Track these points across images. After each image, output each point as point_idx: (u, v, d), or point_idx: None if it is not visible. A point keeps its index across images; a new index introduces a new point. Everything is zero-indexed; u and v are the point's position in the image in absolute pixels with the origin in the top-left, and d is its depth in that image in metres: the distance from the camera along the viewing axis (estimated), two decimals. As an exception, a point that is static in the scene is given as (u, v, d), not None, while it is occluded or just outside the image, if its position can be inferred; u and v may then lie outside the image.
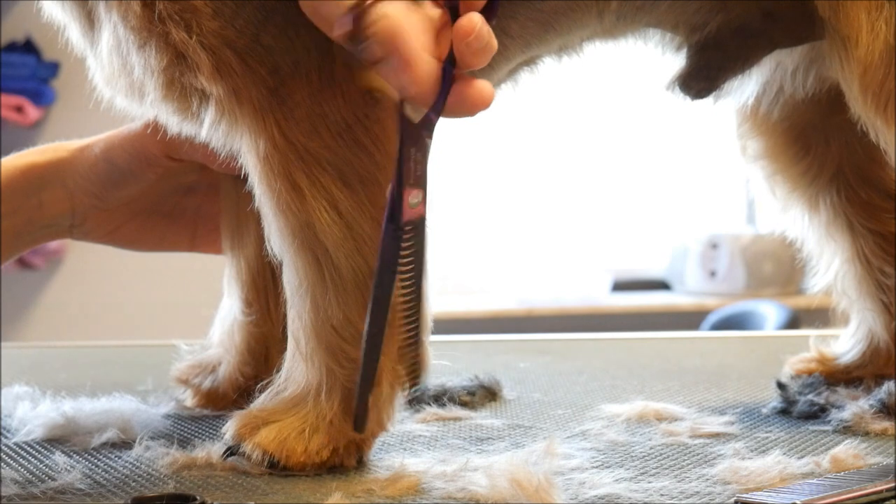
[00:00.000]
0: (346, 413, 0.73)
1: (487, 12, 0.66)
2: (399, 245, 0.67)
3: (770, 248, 3.56)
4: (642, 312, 3.60)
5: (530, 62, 0.89)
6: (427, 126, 0.67)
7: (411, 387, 0.73)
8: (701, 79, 0.90)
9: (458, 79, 0.66)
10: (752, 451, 0.75)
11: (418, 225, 0.67)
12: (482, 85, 0.66)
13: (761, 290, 3.57)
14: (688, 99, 0.91)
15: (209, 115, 0.73)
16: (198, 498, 0.64)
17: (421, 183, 0.67)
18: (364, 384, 0.68)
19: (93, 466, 0.75)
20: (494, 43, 0.66)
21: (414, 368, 0.72)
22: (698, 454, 0.76)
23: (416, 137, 0.66)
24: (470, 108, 0.67)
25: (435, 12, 0.65)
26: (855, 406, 0.85)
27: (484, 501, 0.63)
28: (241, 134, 0.73)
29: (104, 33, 0.77)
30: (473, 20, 0.65)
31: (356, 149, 0.72)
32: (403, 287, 0.68)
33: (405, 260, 0.67)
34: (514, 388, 1.04)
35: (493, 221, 3.85)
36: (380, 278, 0.67)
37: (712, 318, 3.36)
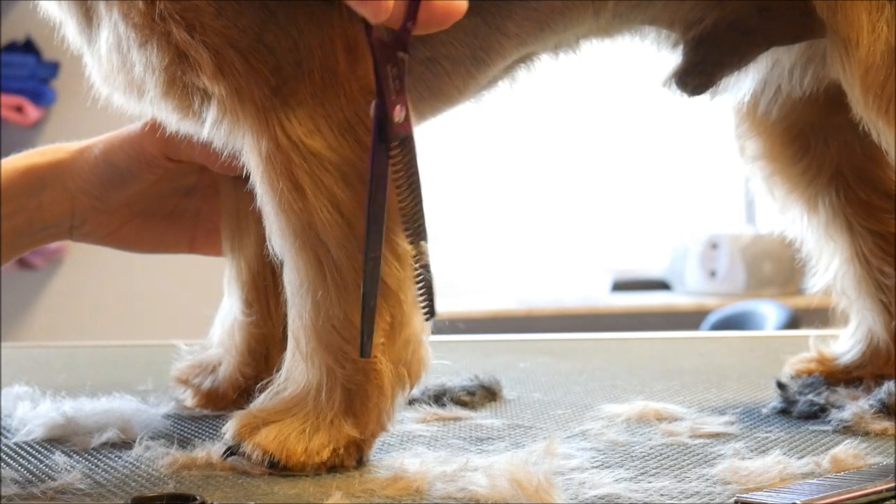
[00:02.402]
0: (346, 413, 0.73)
1: None
2: (388, 163, 0.70)
3: (770, 248, 3.56)
4: (642, 312, 3.60)
5: (526, 59, 0.89)
6: (400, 43, 0.69)
7: (427, 318, 0.73)
8: (697, 75, 0.90)
9: None
10: (752, 451, 0.75)
11: (406, 140, 0.70)
12: None
13: (761, 290, 3.57)
14: (684, 95, 0.91)
15: (211, 114, 0.73)
16: (198, 498, 0.64)
17: (402, 99, 0.70)
18: (366, 311, 0.70)
19: (93, 466, 0.75)
20: None
21: (427, 295, 0.72)
22: (698, 454, 0.76)
23: (389, 56, 0.69)
24: (441, 20, 0.69)
25: None
26: (855, 406, 0.85)
27: (484, 501, 0.63)
28: (243, 133, 0.73)
29: (103, 31, 0.77)
30: None
31: (358, 149, 0.72)
32: (402, 202, 0.71)
33: (398, 175, 0.70)
34: (514, 388, 1.04)
35: (493, 221, 3.85)
36: (372, 197, 0.69)
37: (712, 318, 3.36)
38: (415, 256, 0.72)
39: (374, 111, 0.70)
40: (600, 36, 0.90)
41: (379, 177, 0.70)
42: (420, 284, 0.72)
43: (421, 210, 0.72)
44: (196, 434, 0.84)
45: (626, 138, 3.88)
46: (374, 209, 0.70)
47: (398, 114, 0.70)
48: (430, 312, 0.73)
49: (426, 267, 0.72)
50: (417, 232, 0.72)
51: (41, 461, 0.77)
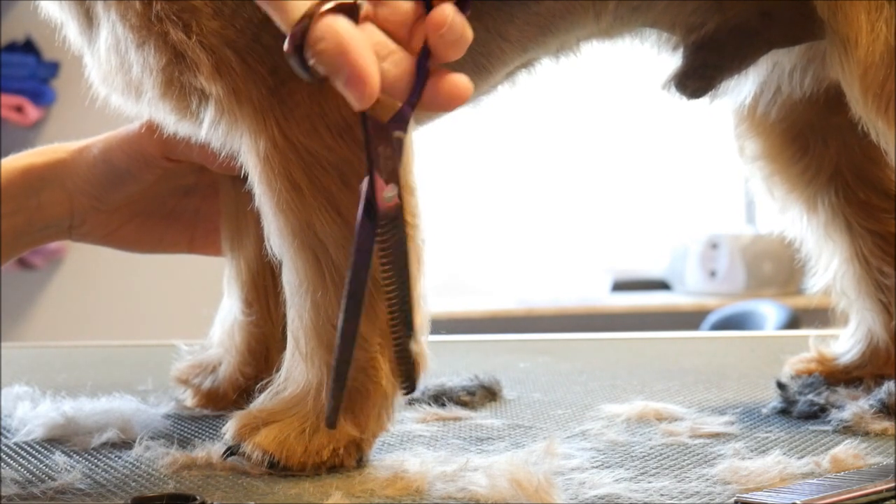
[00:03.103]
0: (346, 412, 0.73)
1: (461, 3, 0.64)
2: (373, 240, 0.65)
3: (770, 248, 3.56)
4: (642, 312, 3.60)
5: (527, 64, 0.89)
6: (399, 121, 0.65)
7: (406, 392, 0.71)
8: (697, 78, 0.90)
9: (434, 72, 0.64)
10: (752, 451, 0.75)
11: (395, 219, 0.66)
12: (458, 79, 0.65)
13: (761, 290, 3.57)
14: (684, 98, 0.91)
15: (209, 114, 0.73)
16: (198, 498, 0.64)
17: (394, 178, 0.65)
18: (337, 382, 0.66)
19: (93, 466, 0.75)
20: (469, 34, 0.65)
21: (406, 371, 0.69)
22: (698, 454, 0.76)
23: (383, 136, 0.65)
24: (445, 102, 0.65)
25: (408, 5, 0.64)
26: (855, 406, 0.85)
27: (484, 501, 0.63)
28: (241, 133, 0.73)
29: (102, 31, 0.77)
30: (445, 12, 0.63)
31: (356, 149, 0.72)
32: (386, 283, 0.67)
33: (384, 255, 0.66)
34: (514, 388, 1.04)
35: (493, 221, 3.86)
36: (354, 273, 0.65)
37: (712, 318, 3.36)
38: (399, 350, 0.68)
39: (361, 189, 0.66)
40: (601, 38, 0.90)
41: (363, 255, 0.65)
42: (403, 362, 0.69)
43: (406, 299, 0.67)
44: (196, 434, 0.84)
45: (626, 138, 3.88)
46: (354, 286, 0.65)
47: (387, 192, 0.65)
48: (411, 387, 0.70)
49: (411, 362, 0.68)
50: (403, 322, 0.67)
51: (41, 461, 0.77)
